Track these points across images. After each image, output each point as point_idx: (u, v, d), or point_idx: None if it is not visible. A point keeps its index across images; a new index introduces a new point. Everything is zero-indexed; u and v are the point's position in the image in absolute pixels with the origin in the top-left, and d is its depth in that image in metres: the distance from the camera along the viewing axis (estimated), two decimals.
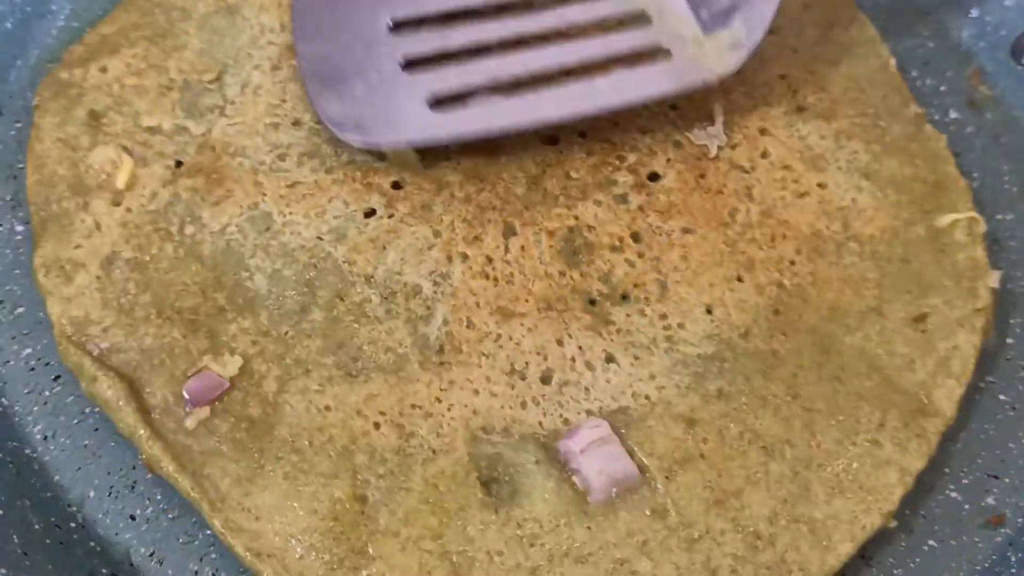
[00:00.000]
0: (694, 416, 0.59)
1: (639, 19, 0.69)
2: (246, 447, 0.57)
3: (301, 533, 0.55)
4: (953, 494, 0.63)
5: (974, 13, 0.81)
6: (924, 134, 0.71)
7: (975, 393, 0.66)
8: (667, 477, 0.57)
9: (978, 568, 0.60)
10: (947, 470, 0.63)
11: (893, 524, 0.58)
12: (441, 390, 0.59)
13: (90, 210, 0.64)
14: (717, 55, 0.67)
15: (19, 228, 0.68)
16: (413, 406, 0.58)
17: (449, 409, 0.58)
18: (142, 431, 0.57)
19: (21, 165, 0.67)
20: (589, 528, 0.55)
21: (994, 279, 0.65)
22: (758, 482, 0.57)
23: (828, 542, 0.56)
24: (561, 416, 0.59)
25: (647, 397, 0.59)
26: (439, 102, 0.66)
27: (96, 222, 0.63)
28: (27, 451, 0.61)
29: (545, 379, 0.60)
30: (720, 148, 0.69)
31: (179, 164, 0.66)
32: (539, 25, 0.68)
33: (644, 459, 0.57)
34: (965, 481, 0.63)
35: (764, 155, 0.69)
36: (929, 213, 0.67)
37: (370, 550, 0.54)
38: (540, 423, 0.58)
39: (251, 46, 0.70)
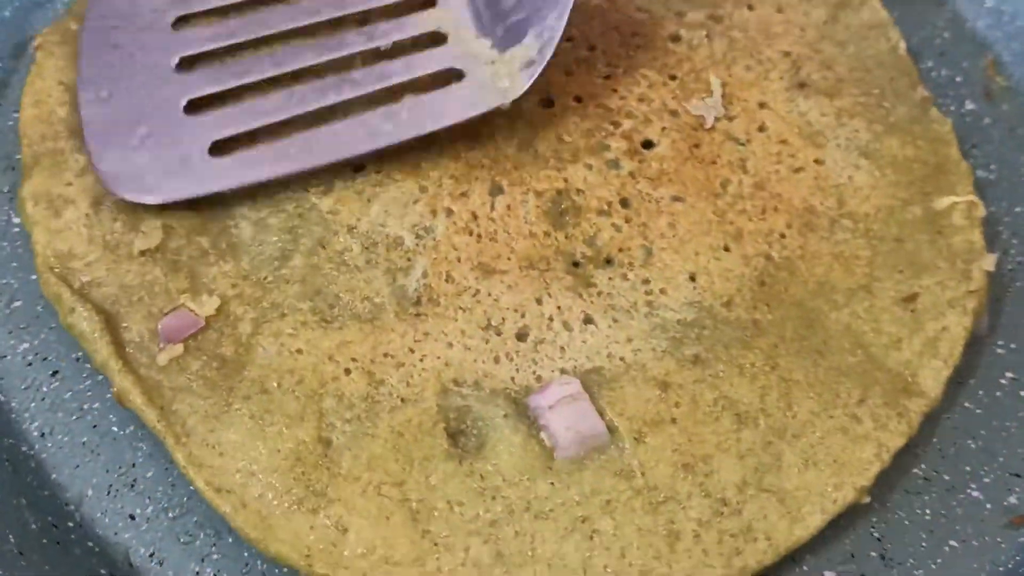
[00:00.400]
0: (668, 380, 0.57)
1: (435, 40, 0.66)
2: (216, 385, 0.57)
3: (262, 472, 0.54)
4: (975, 493, 0.61)
5: (990, 3, 0.80)
6: (929, 117, 0.70)
7: (996, 390, 0.64)
8: (636, 439, 0.55)
9: (1001, 569, 0.58)
10: (968, 468, 0.61)
11: (866, 500, 0.56)
12: (415, 341, 0.58)
13: (84, 151, 0.64)
14: (510, 75, 0.64)
15: (15, 220, 0.67)
16: (386, 355, 0.58)
17: (422, 360, 0.58)
18: (114, 363, 0.57)
19: (19, 156, 0.66)
20: (552, 484, 0.54)
21: (990, 262, 0.63)
22: (729, 449, 0.56)
23: (797, 513, 0.54)
24: (534, 373, 0.58)
25: (622, 359, 0.58)
26: (222, 147, 0.63)
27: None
28: (23, 448, 0.60)
29: (521, 336, 0.59)
30: (717, 119, 0.68)
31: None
32: (331, 53, 0.66)
33: (614, 419, 0.56)
34: (987, 480, 0.61)
35: (761, 128, 0.68)
36: (928, 195, 0.66)
37: (330, 492, 0.54)
38: (512, 378, 0.58)
39: None
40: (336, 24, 0.67)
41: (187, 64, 0.65)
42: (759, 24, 0.73)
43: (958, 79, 0.78)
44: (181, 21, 0.67)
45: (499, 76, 0.64)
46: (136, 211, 0.62)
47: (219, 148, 0.62)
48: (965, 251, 0.63)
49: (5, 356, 0.63)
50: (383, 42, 0.66)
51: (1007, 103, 0.77)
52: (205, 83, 0.64)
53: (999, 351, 0.65)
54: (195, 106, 0.64)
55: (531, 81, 0.63)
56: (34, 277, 0.63)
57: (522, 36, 0.63)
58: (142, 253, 0.61)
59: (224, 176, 0.62)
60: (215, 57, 0.66)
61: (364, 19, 0.67)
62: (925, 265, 0.63)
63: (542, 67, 0.63)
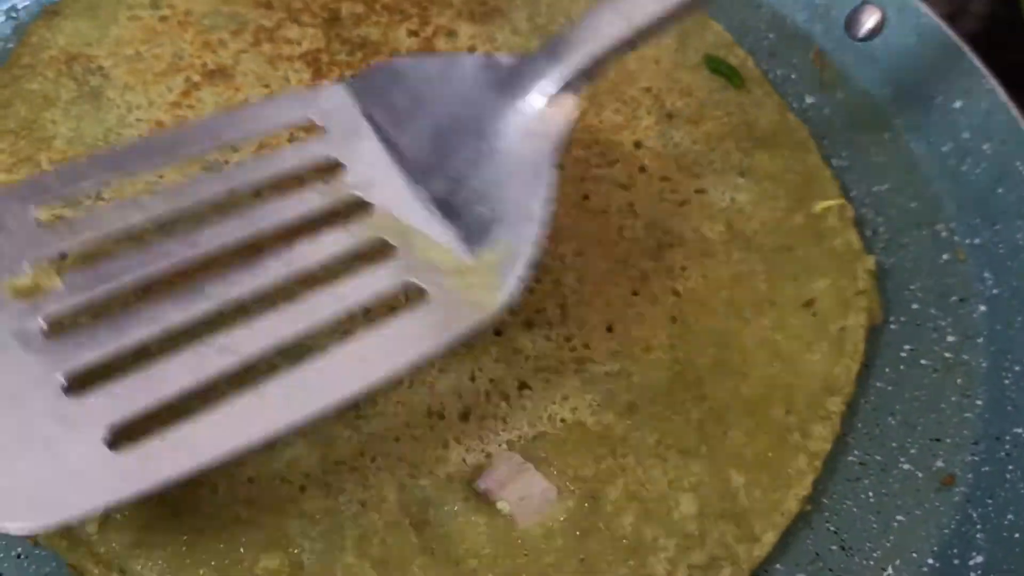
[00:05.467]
0: (610, 433, 0.60)
1: (381, 251, 0.53)
2: (172, 532, 0.56)
3: None
4: (906, 466, 0.65)
5: None
6: (788, 124, 0.74)
7: (899, 364, 0.69)
8: (593, 498, 0.58)
9: (945, 531, 0.62)
10: (894, 444, 0.65)
11: (808, 508, 0.61)
12: (363, 443, 0.59)
13: None
14: (483, 283, 0.52)
15: None
16: (337, 463, 0.58)
17: (373, 460, 0.58)
18: (59, 543, 0.56)
19: None
20: (526, 555, 0.56)
21: (870, 262, 0.68)
22: (681, 485, 0.59)
23: (752, 533, 0.58)
24: (483, 451, 0.59)
25: (563, 420, 0.61)
26: (124, 437, 0.46)
27: None
28: None
29: (463, 416, 0.60)
30: (598, 167, 0.71)
31: (63, 257, 0.64)
32: (245, 286, 0.51)
33: (568, 484, 0.58)
34: (913, 451, 0.65)
35: (642, 169, 0.71)
36: (804, 201, 0.70)
37: None
38: (464, 460, 0.59)
39: (119, 125, 0.69)
40: (248, 250, 0.53)
41: (58, 326, 0.49)
42: (615, 64, 0.76)
43: (793, 76, 0.82)
44: (41, 269, 0.51)
45: (471, 287, 0.52)
46: None
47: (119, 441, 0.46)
48: (846, 251, 0.68)
49: None
50: (316, 263, 0.52)
51: (841, 90, 0.81)
52: (86, 350, 0.48)
53: (892, 327, 0.70)
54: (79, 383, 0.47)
55: (514, 284, 0.51)
56: None
57: (488, 235, 0.53)
58: None
59: (134, 479, 0.44)
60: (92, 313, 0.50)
61: (283, 236, 0.53)
62: (816, 268, 0.67)
63: (524, 270, 0.52)
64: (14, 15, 0.80)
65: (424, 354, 0.50)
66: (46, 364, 0.47)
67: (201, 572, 0.55)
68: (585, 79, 0.54)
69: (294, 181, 0.55)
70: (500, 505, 0.57)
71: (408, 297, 0.52)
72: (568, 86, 0.53)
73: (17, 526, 0.44)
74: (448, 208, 0.54)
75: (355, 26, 0.76)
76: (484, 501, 0.58)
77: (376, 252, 0.53)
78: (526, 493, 0.57)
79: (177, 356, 0.48)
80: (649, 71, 0.76)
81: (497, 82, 0.55)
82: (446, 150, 0.55)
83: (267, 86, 0.72)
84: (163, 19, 0.74)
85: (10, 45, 0.78)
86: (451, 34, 0.76)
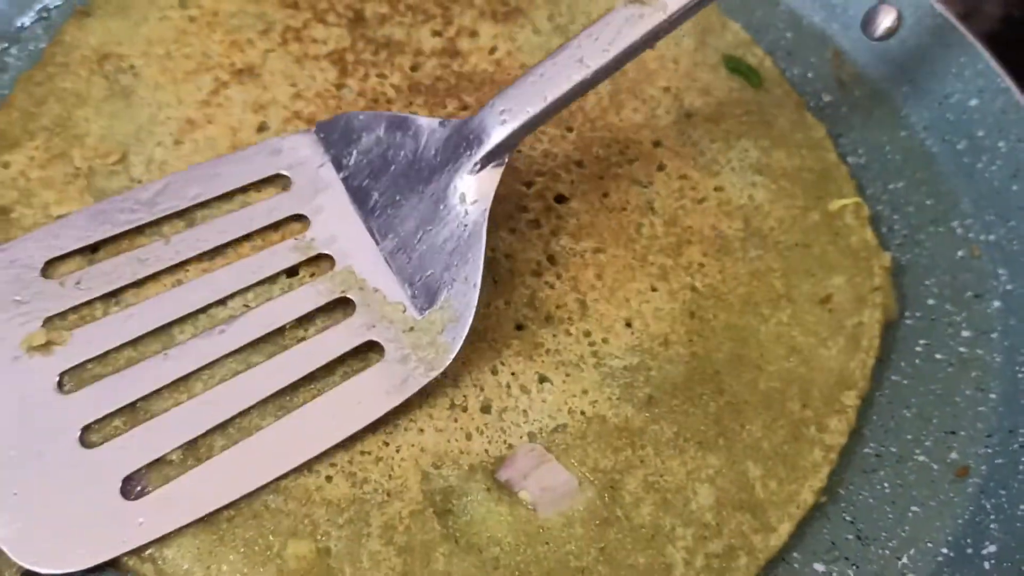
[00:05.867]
0: (629, 426, 0.62)
1: (344, 307, 0.61)
2: (202, 520, 0.57)
3: None
4: (921, 458, 0.66)
5: None
6: (806, 123, 0.76)
7: (914, 358, 0.70)
8: (613, 488, 0.59)
9: (959, 521, 0.64)
10: (910, 437, 0.67)
11: (824, 499, 0.62)
12: (387, 434, 0.60)
13: None
14: (432, 343, 0.59)
15: None
16: (362, 453, 0.60)
17: (398, 451, 0.60)
18: None
19: None
20: (547, 544, 0.58)
21: (886, 259, 0.69)
22: (699, 476, 0.60)
23: (768, 524, 0.59)
24: (505, 442, 0.61)
25: (582, 412, 0.62)
26: (132, 483, 0.55)
27: None
28: None
29: (485, 408, 0.62)
30: (619, 165, 0.72)
31: (95, 250, 0.66)
32: (230, 342, 0.59)
33: (588, 474, 0.60)
34: (928, 443, 0.67)
35: (660, 167, 0.72)
36: (820, 199, 0.72)
37: None
38: (486, 451, 0.61)
39: (150, 123, 0.71)
40: (228, 301, 0.62)
41: (69, 379, 0.57)
42: (635, 63, 0.77)
43: (810, 75, 0.84)
44: (52, 326, 0.59)
45: (420, 347, 0.59)
46: None
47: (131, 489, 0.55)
48: (862, 248, 0.69)
49: None
50: (287, 319, 0.61)
51: (858, 89, 0.83)
52: (97, 403, 0.56)
53: (908, 322, 0.71)
54: (86, 434, 0.56)
55: (457, 348, 0.59)
56: None
57: (438, 296, 0.60)
58: None
59: (143, 529, 0.54)
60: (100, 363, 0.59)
61: (261, 293, 0.62)
62: (833, 265, 0.69)
63: (466, 331, 0.59)
64: (45, 15, 0.81)
65: (383, 410, 0.59)
66: (62, 418, 0.55)
67: (231, 558, 0.56)
68: (506, 151, 0.61)
69: (264, 234, 0.64)
70: (522, 495, 0.59)
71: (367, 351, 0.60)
72: (491, 159, 0.61)
73: (43, 570, 0.51)
74: (400, 265, 0.62)
75: (379, 26, 0.78)
76: (506, 491, 0.59)
77: (338, 307, 0.61)
78: (547, 483, 0.59)
79: (174, 411, 0.57)
80: (668, 71, 0.77)
81: (445, 145, 0.61)
82: (402, 205, 0.62)
83: (294, 85, 0.74)
84: (192, 19, 0.76)
85: (41, 44, 0.79)
86: (473, 34, 0.78)
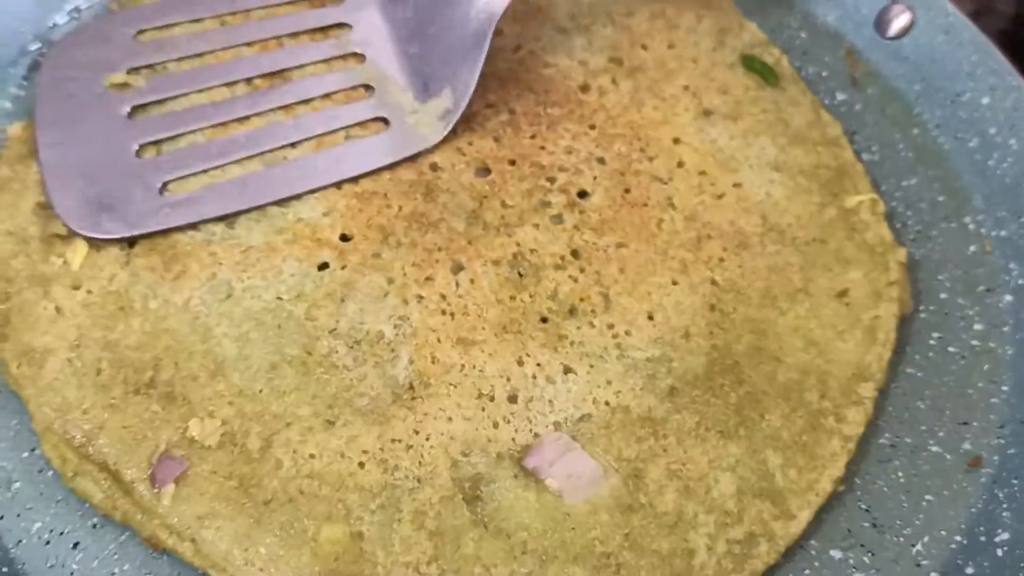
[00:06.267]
0: (652, 415, 0.64)
1: (362, 90, 0.75)
2: (240, 504, 0.59)
3: None
4: (935, 448, 0.68)
5: None
6: (822, 121, 0.77)
7: (928, 351, 0.72)
8: (636, 476, 0.61)
9: (973, 511, 0.65)
10: (924, 427, 0.68)
11: (841, 488, 0.64)
12: (417, 422, 0.63)
13: (51, 297, 0.65)
14: (430, 124, 0.73)
15: None
16: (393, 441, 0.62)
17: (427, 439, 0.62)
18: (134, 513, 0.60)
19: None
20: (573, 529, 0.60)
21: (902, 255, 0.71)
22: (721, 465, 0.62)
23: (788, 511, 0.61)
24: (531, 431, 0.63)
25: (607, 403, 0.64)
26: (170, 187, 0.69)
27: (58, 307, 0.65)
28: None
29: (512, 398, 0.64)
30: (639, 162, 0.74)
31: (132, 244, 0.68)
32: (268, 102, 0.73)
33: (612, 462, 0.62)
34: (941, 434, 0.68)
35: (680, 164, 0.74)
36: (836, 195, 0.73)
37: None
38: (513, 439, 0.63)
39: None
40: (273, 76, 0.75)
41: (138, 111, 0.72)
42: (655, 62, 0.79)
43: (824, 73, 0.85)
44: (133, 73, 0.73)
45: (420, 124, 0.72)
46: (119, 344, 0.64)
47: (168, 188, 0.69)
48: (878, 244, 0.71)
49: (21, 540, 0.62)
50: (318, 92, 0.74)
51: (871, 87, 0.84)
52: (154, 129, 0.71)
53: (922, 316, 0.73)
54: (145, 149, 0.71)
55: (448, 129, 0.72)
56: (26, 455, 0.64)
57: (440, 89, 0.72)
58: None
59: (174, 215, 0.68)
60: (163, 105, 0.72)
61: (300, 73, 0.75)
62: (849, 260, 0.70)
63: (457, 116, 0.72)
64: (76, 15, 0.83)
65: (382, 163, 0.72)
66: (126, 135, 0.70)
67: (268, 540, 0.58)
68: None
69: (317, 34, 0.78)
70: (548, 482, 0.61)
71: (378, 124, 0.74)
72: None
73: (92, 233, 0.67)
74: (415, 64, 0.74)
75: None
76: (533, 478, 0.61)
77: (363, 89, 0.75)
78: (573, 471, 0.61)
79: (216, 140, 0.71)
80: (687, 70, 0.79)
81: None
82: (425, 22, 0.74)
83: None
84: (224, 22, 0.77)
85: None
86: (499, 33, 0.79)
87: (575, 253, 0.69)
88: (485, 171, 0.73)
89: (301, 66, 0.75)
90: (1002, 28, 0.98)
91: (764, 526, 0.61)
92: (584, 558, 0.59)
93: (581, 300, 0.67)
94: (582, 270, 0.68)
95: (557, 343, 0.66)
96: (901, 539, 0.64)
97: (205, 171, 0.70)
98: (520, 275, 0.68)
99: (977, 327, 0.72)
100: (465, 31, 0.71)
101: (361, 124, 0.73)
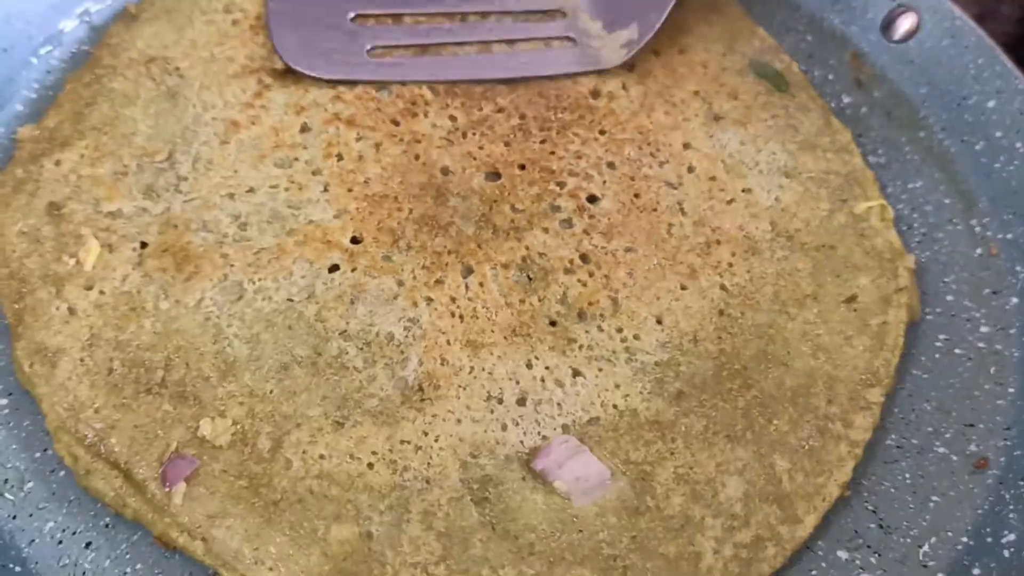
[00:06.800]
0: (660, 419, 0.64)
1: (555, 14, 0.83)
2: (250, 503, 0.60)
3: None
4: (941, 449, 0.68)
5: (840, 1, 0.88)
6: (832, 127, 0.78)
7: (935, 353, 0.72)
8: (644, 479, 0.62)
9: (979, 512, 0.65)
10: (930, 429, 0.69)
11: (848, 494, 0.64)
12: (426, 424, 0.63)
13: (63, 296, 0.66)
14: (613, 49, 0.79)
15: (3, 401, 0.67)
16: (402, 442, 0.62)
17: (436, 440, 0.63)
18: (146, 512, 0.60)
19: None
20: (581, 531, 0.60)
21: (910, 261, 0.71)
22: (728, 469, 0.62)
23: (794, 515, 0.61)
24: (539, 433, 0.63)
25: (615, 406, 0.64)
26: (376, 52, 0.79)
27: (71, 307, 0.66)
28: None
29: (520, 401, 0.64)
30: (649, 167, 0.74)
31: (144, 245, 0.69)
32: (468, 6, 0.82)
33: (620, 466, 0.62)
34: (947, 436, 0.69)
35: (690, 169, 0.75)
36: (846, 202, 0.74)
37: None
38: (521, 442, 0.63)
39: (196, 123, 0.74)
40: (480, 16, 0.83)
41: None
42: (665, 68, 0.80)
43: (830, 76, 0.86)
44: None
45: (604, 48, 0.80)
46: (131, 344, 0.65)
47: (373, 52, 0.79)
48: (887, 250, 0.71)
49: (34, 540, 0.62)
50: (516, 7, 0.83)
51: (877, 90, 0.85)
52: (369, 5, 0.81)
53: (928, 317, 0.73)
54: (359, 18, 0.80)
55: (628, 56, 0.80)
56: (39, 455, 0.65)
57: (627, 23, 0.80)
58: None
59: (375, 72, 0.78)
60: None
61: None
62: (858, 266, 0.71)
63: (639, 48, 0.79)
64: (87, 18, 0.84)
65: (567, 70, 0.80)
66: (345, 7, 0.80)
67: (278, 540, 0.59)
68: None
69: None
70: (556, 484, 0.61)
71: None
72: None
73: (304, 69, 0.76)
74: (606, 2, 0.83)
75: None
76: (541, 480, 0.61)
77: (556, 13, 0.83)
78: (581, 474, 0.61)
79: (420, 26, 0.81)
80: (697, 75, 0.79)
81: None
82: None
83: (334, 87, 0.76)
84: (235, 23, 0.79)
85: (84, 47, 0.82)
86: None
87: (584, 257, 0.70)
88: (495, 175, 0.73)
89: None
90: (1007, 31, 0.98)
91: (771, 530, 0.61)
92: (591, 560, 0.59)
93: (590, 304, 0.68)
94: (591, 274, 0.69)
95: (566, 346, 0.66)
96: (908, 540, 0.64)
97: (407, 46, 0.79)
98: (529, 279, 0.69)
99: (984, 329, 0.73)
100: None
101: (550, 39, 0.81)
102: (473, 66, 0.79)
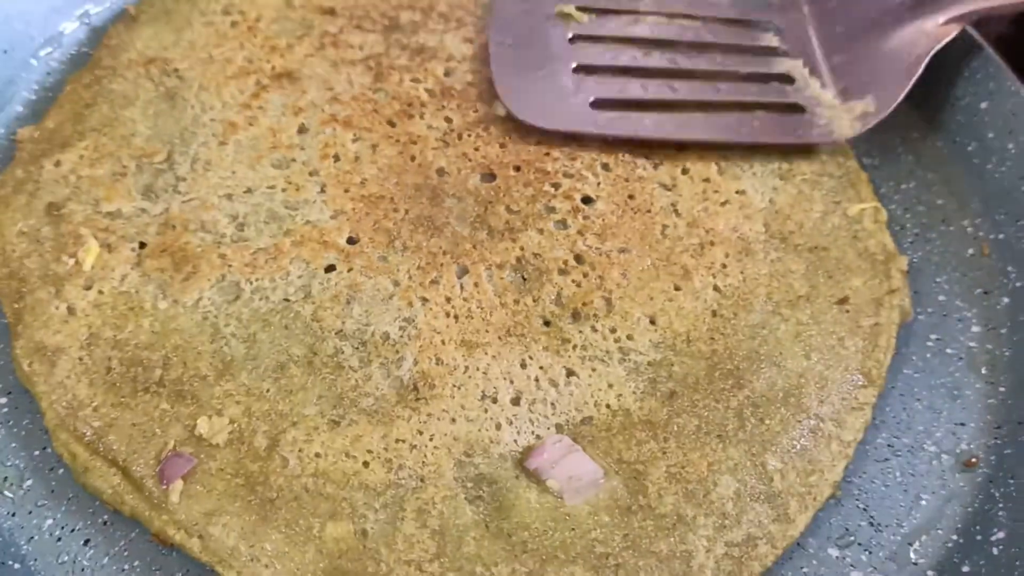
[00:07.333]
0: (652, 419, 0.64)
1: (783, 78, 0.81)
2: (246, 501, 0.61)
3: (311, 574, 0.59)
4: (931, 448, 0.69)
5: None
6: None
7: (926, 352, 0.72)
8: (637, 478, 0.62)
9: (969, 510, 0.66)
10: (921, 428, 0.69)
11: (839, 493, 0.65)
12: (421, 423, 0.64)
13: (63, 296, 0.67)
14: (846, 122, 0.77)
15: (1, 400, 0.68)
16: (398, 441, 0.63)
17: (431, 439, 0.63)
18: (143, 509, 0.61)
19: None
20: (573, 530, 0.61)
21: (903, 263, 0.72)
22: (720, 468, 0.63)
23: (786, 515, 0.62)
24: (533, 433, 0.64)
25: (608, 406, 0.65)
26: (599, 104, 0.77)
27: (70, 307, 0.67)
28: None
29: (515, 400, 0.65)
30: (644, 169, 0.75)
31: (143, 245, 0.69)
32: (693, 63, 0.80)
33: (613, 465, 0.63)
34: (938, 435, 0.69)
35: (684, 171, 0.75)
36: (839, 204, 0.74)
37: None
38: (515, 441, 0.63)
39: (194, 124, 0.74)
40: (699, 47, 0.82)
41: (577, 40, 0.81)
42: None
43: None
44: (580, 10, 0.82)
45: (835, 119, 0.78)
46: (129, 343, 0.65)
47: (595, 104, 0.77)
48: (880, 252, 0.72)
49: (33, 537, 0.63)
50: (746, 69, 0.81)
51: None
52: (590, 57, 0.79)
53: (920, 317, 0.74)
54: (579, 70, 0.79)
55: (863, 129, 0.77)
56: (38, 453, 0.65)
57: (863, 95, 0.78)
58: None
59: (599, 126, 0.76)
60: (598, 42, 0.81)
61: (724, 50, 0.82)
62: (851, 268, 0.71)
63: (876, 121, 0.77)
64: (86, 20, 0.84)
65: (797, 141, 0.77)
66: (567, 53, 0.79)
67: (274, 537, 0.60)
68: (967, 21, 0.79)
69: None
70: (550, 483, 0.61)
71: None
72: (953, 20, 0.78)
73: (529, 119, 0.75)
74: (837, 69, 0.80)
75: (413, 33, 0.81)
76: (534, 479, 0.62)
77: (784, 78, 0.81)
78: (574, 473, 0.62)
79: (643, 80, 0.79)
80: None
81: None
82: (855, 37, 0.81)
83: (331, 88, 0.77)
84: (234, 24, 0.79)
85: (84, 49, 0.83)
86: None
87: (578, 258, 0.70)
88: (490, 176, 0.74)
89: (727, 45, 0.82)
90: (1000, 33, 0.98)
91: (763, 529, 0.61)
92: (584, 558, 0.60)
93: (584, 304, 0.68)
94: (585, 275, 0.69)
95: (560, 346, 0.67)
96: (898, 537, 0.65)
97: (631, 102, 0.77)
98: (524, 279, 0.69)
99: (975, 329, 0.73)
100: (900, 52, 0.78)
101: (778, 105, 0.79)
102: (702, 127, 0.77)
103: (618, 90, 0.78)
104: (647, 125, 0.76)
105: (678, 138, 0.76)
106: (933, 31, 0.78)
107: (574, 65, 0.78)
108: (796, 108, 0.78)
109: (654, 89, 0.78)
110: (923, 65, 0.77)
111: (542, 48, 0.79)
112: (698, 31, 0.82)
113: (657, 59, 0.80)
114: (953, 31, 0.78)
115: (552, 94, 0.77)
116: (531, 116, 0.75)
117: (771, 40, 0.83)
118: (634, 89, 0.78)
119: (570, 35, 0.80)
